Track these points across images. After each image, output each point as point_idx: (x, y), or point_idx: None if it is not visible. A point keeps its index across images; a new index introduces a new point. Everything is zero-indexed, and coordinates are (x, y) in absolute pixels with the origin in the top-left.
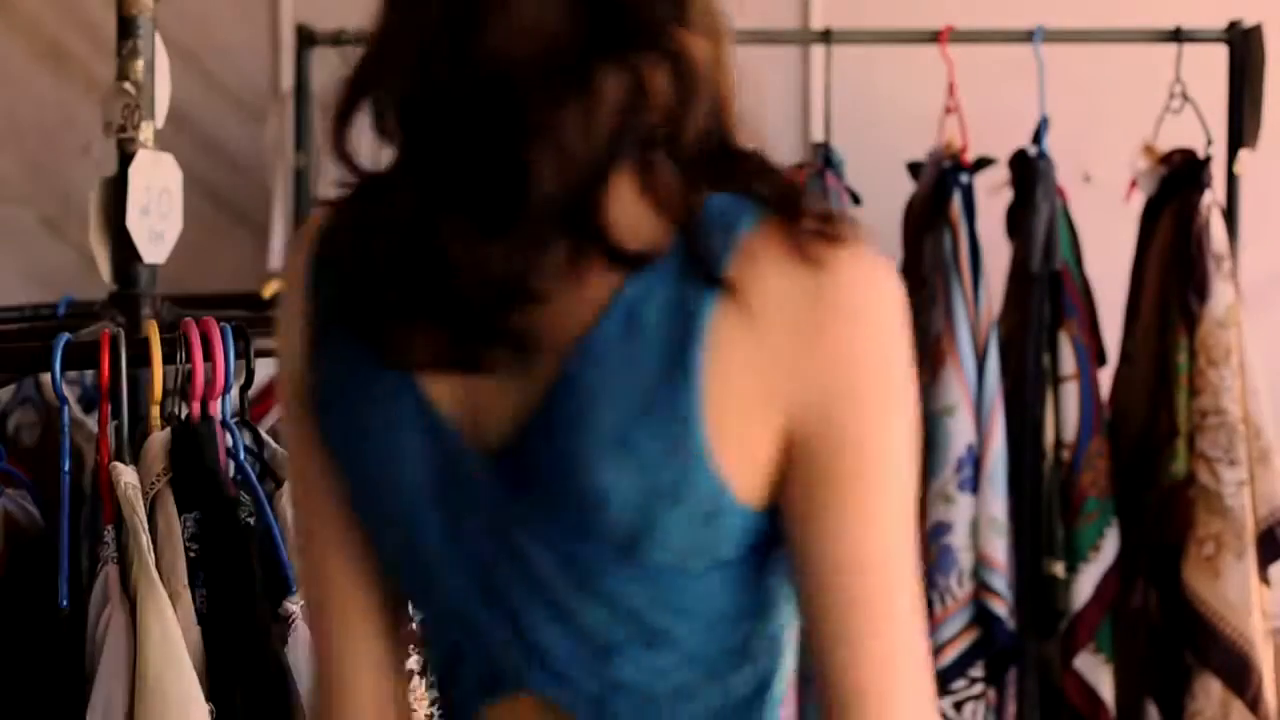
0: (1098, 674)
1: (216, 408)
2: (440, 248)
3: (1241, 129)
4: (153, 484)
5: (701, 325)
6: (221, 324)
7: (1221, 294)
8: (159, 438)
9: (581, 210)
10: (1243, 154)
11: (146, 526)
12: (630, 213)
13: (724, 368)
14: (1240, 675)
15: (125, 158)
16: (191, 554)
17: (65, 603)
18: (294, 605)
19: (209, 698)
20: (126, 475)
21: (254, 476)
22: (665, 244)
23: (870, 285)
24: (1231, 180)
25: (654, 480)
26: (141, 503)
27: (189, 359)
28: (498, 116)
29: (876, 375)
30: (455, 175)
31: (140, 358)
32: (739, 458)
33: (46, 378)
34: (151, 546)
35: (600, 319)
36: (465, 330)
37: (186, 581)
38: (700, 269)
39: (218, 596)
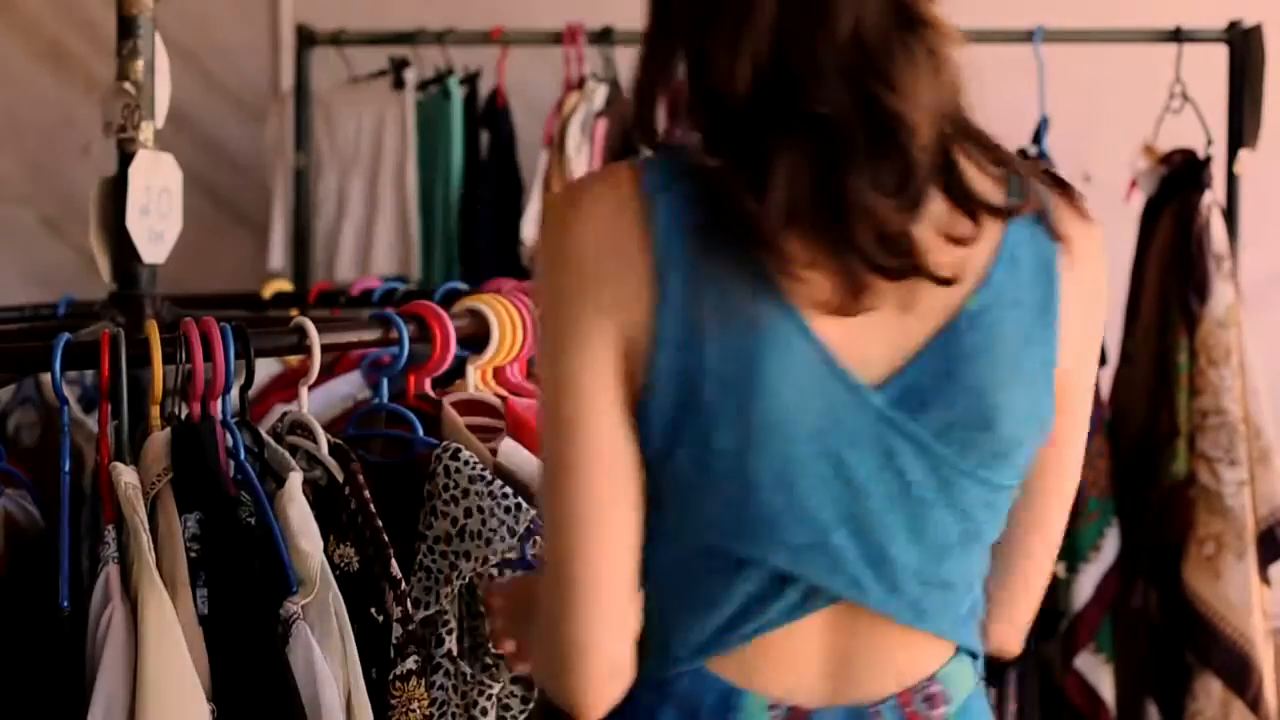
0: (1098, 674)
1: (216, 408)
2: (844, 204)
3: (1241, 129)
4: (153, 484)
5: (1055, 269)
6: (221, 324)
7: (1222, 294)
8: (159, 437)
9: (948, 169)
10: (1243, 154)
11: (147, 526)
12: (970, 174)
13: (1063, 305)
14: (1241, 675)
15: (125, 158)
16: (192, 554)
17: (66, 603)
18: (295, 605)
19: (210, 698)
20: (127, 475)
21: (254, 476)
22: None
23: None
24: (1231, 180)
25: (1032, 403)
26: (142, 502)
27: (189, 359)
28: (869, 84)
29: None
30: (842, 141)
31: (140, 358)
32: (1051, 384)
33: (47, 378)
34: (152, 546)
35: (994, 261)
36: (860, 273)
37: (188, 581)
38: (1045, 223)
39: (219, 596)
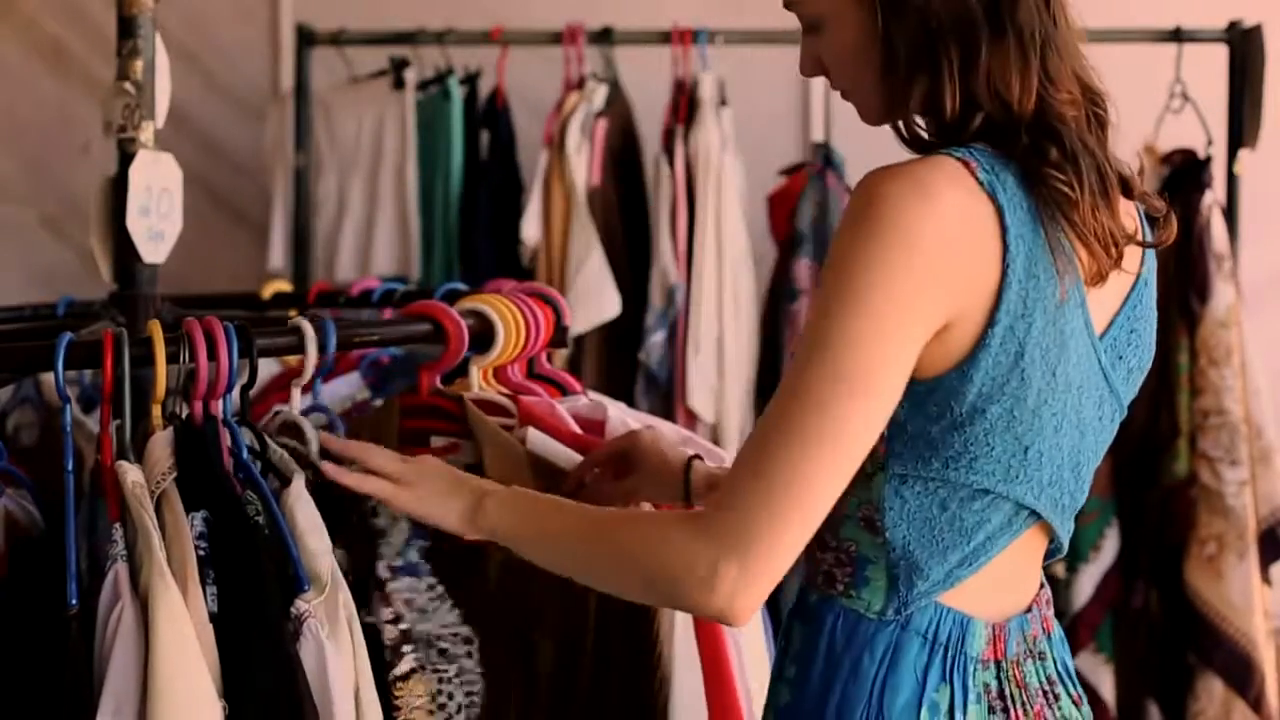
0: (1098, 674)
1: (218, 407)
2: (1108, 188)
3: (1241, 129)
4: (158, 483)
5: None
6: (225, 323)
7: (1222, 294)
8: (161, 437)
9: (1124, 178)
10: (1243, 154)
11: (156, 524)
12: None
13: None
14: (1243, 675)
15: (125, 158)
16: (201, 552)
17: (74, 601)
18: (306, 604)
19: (222, 696)
20: (132, 474)
21: (258, 474)
22: None
23: None
24: (1231, 180)
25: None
26: (149, 501)
27: (193, 358)
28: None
29: None
30: (1083, 134)
31: (143, 358)
32: None
33: (46, 378)
34: (162, 545)
35: (1145, 256)
36: (1117, 245)
37: (198, 579)
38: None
39: (229, 595)
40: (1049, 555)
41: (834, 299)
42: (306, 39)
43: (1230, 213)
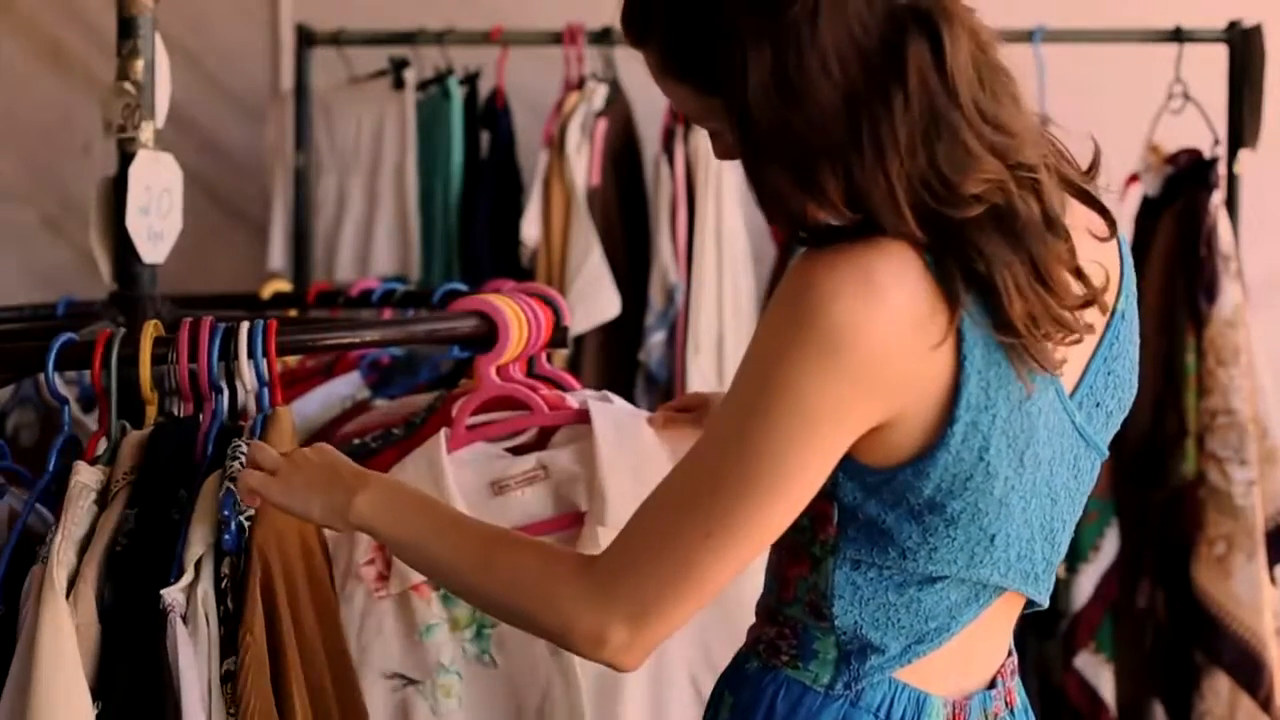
0: (1098, 674)
1: (209, 408)
2: (1047, 276)
3: (1241, 129)
4: (118, 482)
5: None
6: (215, 324)
7: (1230, 294)
8: (133, 437)
9: (1065, 184)
10: (1243, 154)
11: (80, 525)
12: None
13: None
14: (1252, 674)
15: (125, 158)
16: (118, 549)
17: (2, 606)
18: (169, 597)
19: (98, 695)
20: (83, 475)
21: (202, 475)
22: None
23: None
24: (1232, 180)
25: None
26: (84, 502)
27: (178, 359)
28: (1002, 146)
29: None
30: (1015, 214)
31: (134, 358)
32: None
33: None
34: (74, 545)
35: (1120, 261)
36: (1071, 323)
37: (95, 578)
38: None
39: (120, 590)
40: (1028, 606)
41: (760, 393)
42: (306, 39)
43: (1230, 213)
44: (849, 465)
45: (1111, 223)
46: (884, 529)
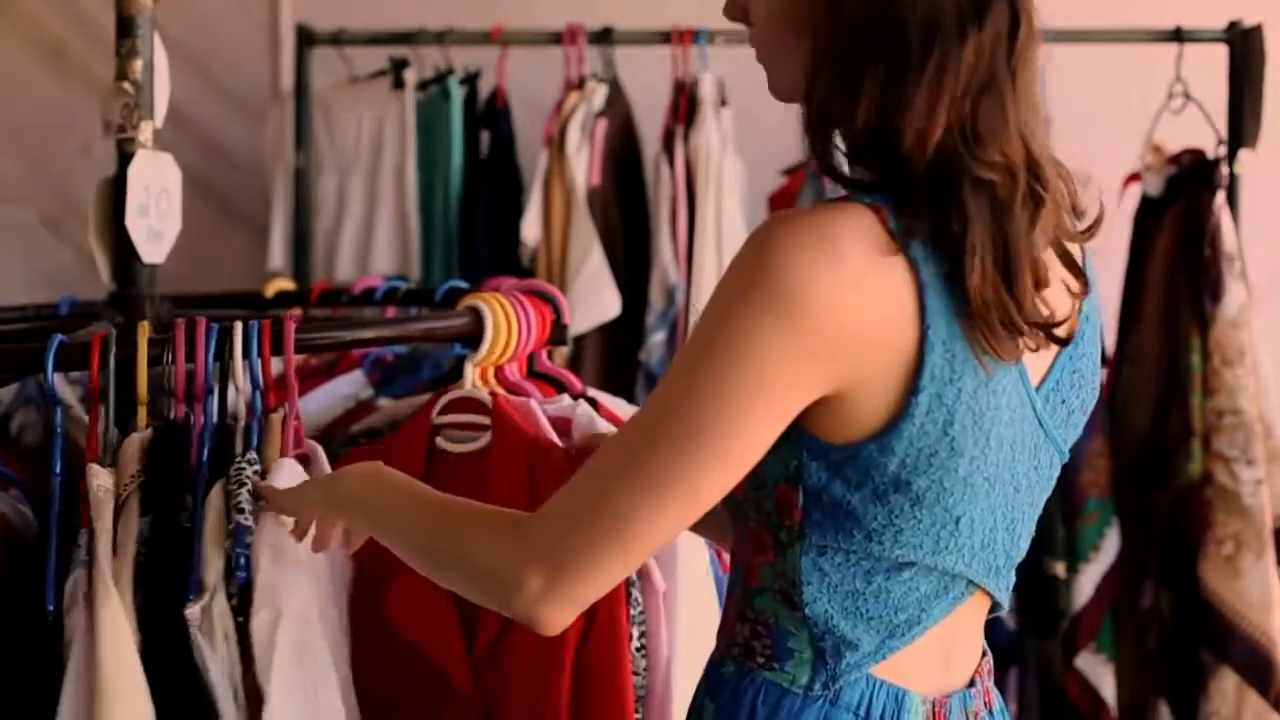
0: (1099, 673)
1: (200, 409)
2: (1015, 254)
3: (1241, 129)
4: (125, 486)
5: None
6: (211, 324)
7: (1234, 294)
8: (136, 439)
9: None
10: (1243, 154)
11: (111, 530)
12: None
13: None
14: (1263, 673)
15: (124, 158)
16: (140, 558)
17: (52, 606)
18: (188, 612)
19: None
20: (100, 478)
21: (204, 480)
22: None
23: None
24: (1232, 180)
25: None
26: (110, 505)
27: (175, 359)
28: (1028, 138)
29: None
30: (1007, 195)
31: (130, 358)
32: None
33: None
34: (112, 551)
35: (1084, 263)
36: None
37: (131, 586)
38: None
39: (147, 601)
40: (991, 610)
41: (709, 345)
42: (306, 39)
43: (1230, 212)
44: (812, 445)
45: (1085, 283)
46: (849, 510)
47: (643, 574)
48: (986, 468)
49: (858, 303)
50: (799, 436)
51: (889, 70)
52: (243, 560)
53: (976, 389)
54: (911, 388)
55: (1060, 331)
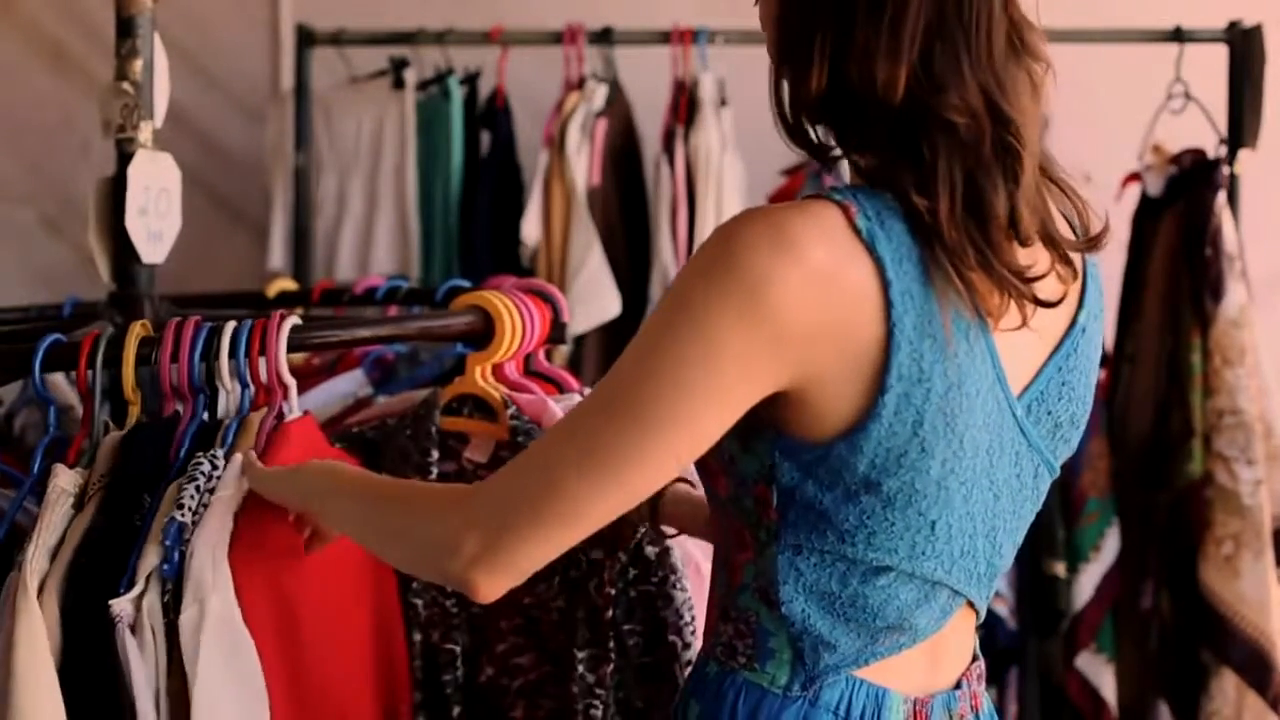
0: (1099, 673)
1: (188, 408)
2: (984, 207)
3: (1241, 129)
4: (95, 485)
5: (1099, 276)
6: (200, 325)
7: (1235, 294)
8: (111, 440)
9: (1047, 228)
10: (1243, 154)
11: (56, 530)
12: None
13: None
14: (1261, 673)
15: (124, 158)
16: (83, 559)
17: None
18: (117, 607)
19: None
20: (61, 479)
21: (170, 478)
22: None
23: None
24: (1232, 180)
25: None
26: (61, 507)
27: (159, 359)
28: (994, 94)
29: None
30: (972, 145)
31: (120, 359)
32: None
33: (52, 378)
34: (50, 550)
35: (1084, 277)
36: (1004, 275)
37: (60, 584)
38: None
39: (78, 599)
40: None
41: (667, 333)
42: (306, 39)
43: (1231, 213)
44: (785, 444)
45: (1073, 271)
46: (821, 511)
47: (688, 561)
48: (961, 472)
49: (818, 300)
50: (773, 435)
51: (845, 26)
52: (176, 556)
53: (947, 390)
54: (879, 387)
55: (1043, 294)
